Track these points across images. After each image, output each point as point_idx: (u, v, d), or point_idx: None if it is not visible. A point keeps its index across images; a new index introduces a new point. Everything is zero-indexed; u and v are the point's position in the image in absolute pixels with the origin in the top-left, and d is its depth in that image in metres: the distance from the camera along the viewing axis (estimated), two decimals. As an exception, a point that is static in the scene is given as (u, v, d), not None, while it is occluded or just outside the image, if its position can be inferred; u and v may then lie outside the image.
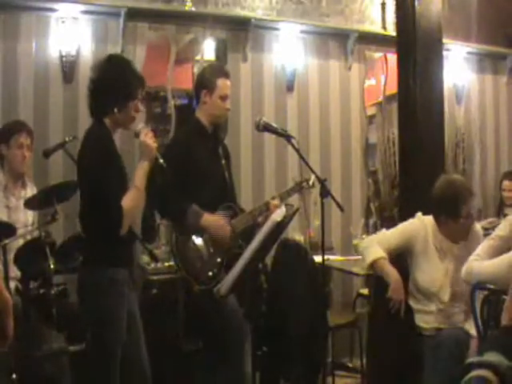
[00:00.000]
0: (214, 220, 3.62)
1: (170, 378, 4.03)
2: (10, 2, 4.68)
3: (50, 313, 3.67)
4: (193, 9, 5.04)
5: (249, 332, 3.67)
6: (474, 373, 2.05)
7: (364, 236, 4.70)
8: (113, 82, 3.01)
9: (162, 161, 3.08)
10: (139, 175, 3.01)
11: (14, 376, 3.41)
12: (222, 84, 3.72)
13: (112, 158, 3.00)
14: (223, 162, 3.82)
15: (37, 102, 4.74)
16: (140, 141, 3.03)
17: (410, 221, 3.79)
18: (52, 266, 3.65)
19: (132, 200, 2.97)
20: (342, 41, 5.68)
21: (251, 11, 5.33)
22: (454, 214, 3.57)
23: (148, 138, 3.02)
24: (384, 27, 5.84)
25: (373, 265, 3.71)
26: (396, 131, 4.91)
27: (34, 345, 3.78)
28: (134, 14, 4.87)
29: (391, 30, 5.63)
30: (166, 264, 4.21)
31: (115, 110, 3.02)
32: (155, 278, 4.16)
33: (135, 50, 4.90)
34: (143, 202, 3.08)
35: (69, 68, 4.80)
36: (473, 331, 3.37)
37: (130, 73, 3.08)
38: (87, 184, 3.06)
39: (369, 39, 5.77)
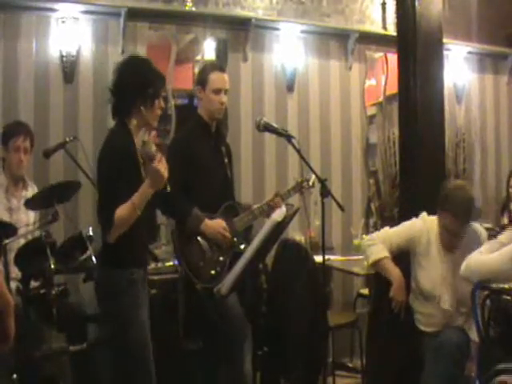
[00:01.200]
0: (214, 226, 3.62)
1: (170, 378, 4.02)
2: (11, 2, 4.69)
3: (51, 313, 3.66)
4: (193, 9, 5.04)
5: (249, 332, 3.68)
6: (500, 378, 2.04)
7: (364, 236, 4.70)
8: (138, 81, 3.00)
9: (168, 188, 3.03)
10: (141, 198, 2.90)
11: (14, 376, 3.41)
12: (215, 78, 3.72)
13: (129, 162, 2.96)
14: (225, 160, 3.82)
15: (37, 102, 4.75)
16: (152, 167, 2.89)
17: (414, 220, 3.76)
18: (52, 266, 3.65)
19: (126, 213, 2.88)
20: (342, 41, 5.69)
21: (251, 11, 5.33)
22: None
23: (162, 166, 2.90)
24: (384, 27, 5.84)
25: (375, 264, 3.70)
26: (396, 131, 4.90)
27: (35, 345, 3.78)
28: (134, 14, 4.87)
29: (391, 30, 5.63)
30: (167, 264, 4.21)
31: (142, 108, 3.00)
32: (155, 277, 4.15)
33: (136, 50, 4.89)
34: (132, 220, 2.93)
35: (69, 68, 4.81)
36: (473, 334, 3.36)
37: (153, 71, 3.09)
38: (99, 183, 3.06)
39: (369, 39, 5.77)
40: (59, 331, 3.99)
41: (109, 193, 2.94)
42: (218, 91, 3.72)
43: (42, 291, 3.71)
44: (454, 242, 3.58)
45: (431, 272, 3.63)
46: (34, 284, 3.78)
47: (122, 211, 2.86)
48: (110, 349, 3.16)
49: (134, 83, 3.01)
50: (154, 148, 2.99)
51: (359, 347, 4.61)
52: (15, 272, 3.72)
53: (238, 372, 3.63)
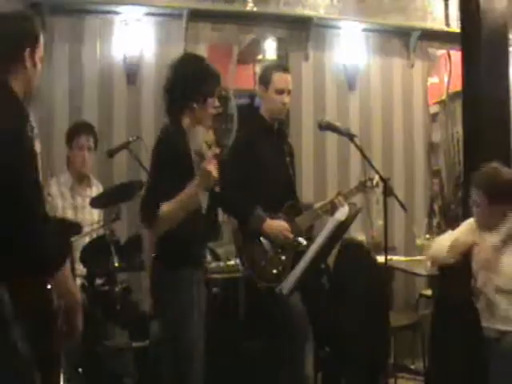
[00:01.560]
0: (276, 226, 3.62)
1: (231, 378, 4.04)
2: (75, 6, 4.80)
3: (114, 310, 3.72)
4: (254, 9, 5.05)
5: (310, 332, 3.66)
6: None
7: (428, 236, 4.62)
8: (192, 79, 3.00)
9: (217, 189, 3.03)
10: (187, 195, 2.87)
11: (79, 370, 3.48)
12: (278, 78, 3.70)
13: (180, 160, 2.95)
14: (288, 159, 3.82)
15: (101, 103, 4.85)
16: (203, 167, 2.86)
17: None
18: (116, 264, 3.71)
19: (170, 209, 2.87)
20: (404, 38, 5.62)
21: (312, 10, 5.31)
22: None
23: (213, 167, 2.87)
24: (447, 24, 5.73)
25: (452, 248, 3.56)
26: (460, 129, 4.80)
27: (99, 341, 3.85)
28: (196, 15, 4.93)
29: (455, 27, 5.52)
30: (229, 263, 4.22)
31: (195, 105, 3.00)
32: (217, 276, 4.18)
33: (197, 50, 4.93)
34: (179, 217, 2.92)
35: (132, 70, 4.89)
36: None
37: (206, 69, 3.08)
38: (149, 178, 3.08)
39: (431, 36, 5.67)
40: (122, 328, 4.05)
41: (156, 188, 2.94)
42: (280, 91, 3.71)
43: (106, 288, 3.78)
44: (490, 222, 3.44)
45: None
46: (98, 281, 3.85)
47: (167, 207, 2.85)
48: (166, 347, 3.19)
49: (187, 81, 3.00)
50: (211, 148, 2.98)
51: (421, 349, 4.54)
52: (80, 269, 3.79)
53: (299, 373, 3.62)
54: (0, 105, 2.19)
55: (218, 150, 2.99)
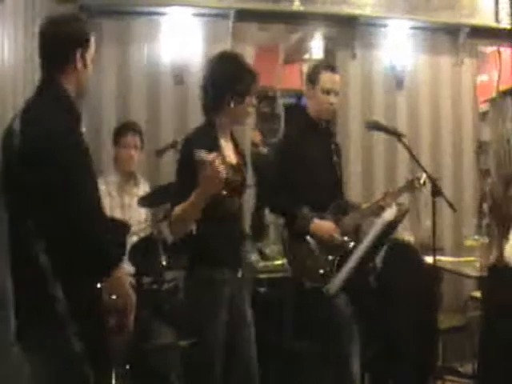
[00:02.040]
0: (323, 227, 3.60)
1: (276, 377, 4.04)
2: (122, 8, 4.86)
3: (162, 308, 3.75)
4: (301, 8, 5.04)
5: (356, 333, 3.64)
6: None
7: (477, 237, 4.55)
8: (229, 77, 2.97)
9: (224, 192, 2.85)
10: (191, 202, 2.77)
11: (127, 367, 3.52)
12: (325, 78, 3.68)
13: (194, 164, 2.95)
14: (335, 159, 3.80)
15: (149, 103, 4.90)
16: (201, 175, 2.69)
17: None
18: (164, 263, 3.74)
19: (179, 212, 2.84)
20: (452, 36, 5.53)
21: (359, 8, 5.27)
22: None
23: (213, 172, 2.67)
24: (497, 20, 5.62)
25: None
26: (510, 128, 4.72)
27: (146, 339, 3.89)
28: (242, 15, 4.93)
29: (505, 23, 5.42)
30: (275, 262, 4.23)
31: (232, 104, 2.97)
32: (263, 276, 4.19)
33: (244, 50, 4.94)
34: (188, 221, 2.90)
35: (179, 70, 4.92)
36: None
37: (243, 67, 3.05)
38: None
39: (481, 33, 5.57)
40: (170, 326, 4.08)
41: (176, 189, 2.96)
42: (327, 92, 3.68)
43: (154, 287, 3.81)
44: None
45: None
46: (145, 280, 3.89)
47: (177, 209, 2.85)
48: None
49: (223, 79, 2.97)
50: (257, 148, 2.93)
51: (470, 352, 4.47)
52: (128, 268, 3.83)
53: (346, 373, 3.59)
54: (54, 105, 2.24)
55: (265, 150, 2.98)
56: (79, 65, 2.34)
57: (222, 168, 2.68)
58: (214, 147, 2.91)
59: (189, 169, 2.78)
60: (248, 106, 3.04)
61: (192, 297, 3.03)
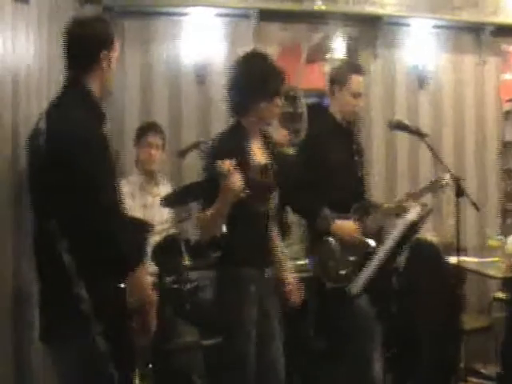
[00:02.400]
0: (344, 228, 3.59)
1: (299, 377, 4.03)
2: (144, 9, 4.90)
3: (184, 308, 3.76)
4: (323, 7, 5.04)
5: (379, 333, 3.62)
6: None
7: (500, 237, 4.51)
8: (258, 77, 2.95)
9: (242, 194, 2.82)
10: (215, 211, 2.82)
11: (149, 366, 3.53)
12: (355, 80, 3.68)
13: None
14: (356, 158, 3.79)
15: (171, 104, 4.93)
16: (222, 186, 2.74)
17: None
18: (186, 263, 3.75)
19: (203, 218, 2.88)
20: (475, 34, 5.50)
21: (381, 8, 5.25)
22: None
23: (235, 179, 2.74)
24: (521, 19, 5.58)
25: None
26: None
27: (169, 338, 3.90)
28: (264, 15, 4.95)
29: (529, 22, 5.38)
30: (297, 262, 4.21)
31: (261, 104, 2.96)
32: (286, 276, 4.17)
33: (266, 50, 4.93)
34: (212, 226, 2.92)
35: (202, 70, 4.94)
36: None
37: (272, 67, 3.03)
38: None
39: (504, 32, 5.52)
40: (192, 326, 4.09)
41: (203, 194, 2.97)
42: (356, 95, 3.68)
43: (176, 287, 3.82)
44: None
45: None
46: (168, 279, 3.90)
47: (201, 215, 2.89)
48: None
49: (253, 79, 2.95)
50: (282, 148, 2.89)
51: (494, 354, 4.43)
52: (151, 267, 3.84)
53: (367, 373, 3.58)
54: (78, 104, 2.27)
55: (291, 150, 2.98)
56: (104, 65, 2.37)
57: (239, 179, 2.74)
58: (242, 150, 2.95)
59: (213, 175, 2.80)
60: (276, 106, 3.03)
61: (220, 296, 3.04)
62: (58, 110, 2.27)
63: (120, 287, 2.23)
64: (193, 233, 4.29)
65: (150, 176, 4.28)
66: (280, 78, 3.03)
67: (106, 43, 2.38)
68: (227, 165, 2.69)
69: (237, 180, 2.73)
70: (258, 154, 3.07)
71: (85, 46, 2.34)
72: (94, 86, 2.35)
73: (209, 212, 2.83)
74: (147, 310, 2.31)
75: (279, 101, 3.03)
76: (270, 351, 3.06)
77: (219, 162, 2.70)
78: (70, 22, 2.39)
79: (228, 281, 2.99)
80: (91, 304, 2.15)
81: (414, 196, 3.69)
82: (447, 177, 3.64)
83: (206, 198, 2.88)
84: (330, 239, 3.60)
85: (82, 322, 2.14)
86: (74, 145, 2.14)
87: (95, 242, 2.13)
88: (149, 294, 2.31)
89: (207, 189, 2.88)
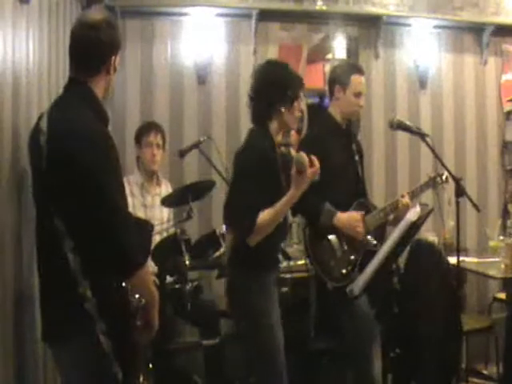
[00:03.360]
0: (348, 219, 3.59)
1: (298, 377, 4.03)
2: (145, 9, 4.89)
3: (185, 307, 3.76)
4: (324, 7, 5.03)
5: (377, 334, 3.62)
6: None
7: (501, 237, 4.50)
8: (279, 84, 3.05)
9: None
10: (286, 205, 2.96)
11: (150, 366, 3.54)
12: (356, 81, 3.69)
13: (267, 165, 3.00)
14: (356, 158, 3.79)
15: (172, 103, 4.92)
16: (301, 178, 2.89)
17: None
18: (187, 263, 3.75)
19: (269, 219, 2.93)
20: (476, 34, 5.49)
21: (382, 8, 5.25)
22: None
23: (311, 174, 2.93)
24: (522, 19, 5.58)
25: None
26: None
27: (170, 338, 3.90)
28: (265, 15, 4.94)
29: (531, 22, 5.38)
30: (299, 262, 4.22)
31: (283, 109, 3.05)
32: (287, 276, 4.18)
33: (267, 50, 4.96)
34: (274, 225, 2.98)
35: (202, 70, 4.94)
36: None
37: (291, 74, 3.14)
38: (234, 182, 3.12)
39: (505, 32, 5.51)
40: (193, 326, 4.10)
41: (242, 194, 2.98)
42: (358, 94, 3.70)
43: (177, 286, 3.83)
44: None
45: None
46: (169, 279, 3.91)
47: (265, 216, 2.91)
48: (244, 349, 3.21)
49: (274, 87, 3.04)
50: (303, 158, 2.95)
51: (495, 354, 4.43)
52: (152, 267, 3.85)
53: (366, 373, 3.58)
54: (81, 105, 2.26)
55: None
56: (111, 70, 2.37)
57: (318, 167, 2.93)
58: (275, 151, 3.07)
59: (263, 173, 2.93)
60: (297, 110, 3.12)
61: (244, 300, 3.04)
62: (60, 110, 2.26)
63: (123, 286, 2.23)
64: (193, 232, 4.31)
65: (151, 176, 4.29)
66: (299, 82, 3.15)
67: (116, 48, 2.38)
68: (305, 156, 2.86)
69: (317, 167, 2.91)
70: None
71: (97, 51, 2.31)
72: (98, 89, 2.34)
73: (277, 207, 2.91)
74: (151, 309, 2.31)
75: (299, 105, 3.13)
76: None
77: (300, 154, 2.89)
78: (79, 23, 2.36)
79: (254, 284, 3.01)
80: (95, 303, 2.14)
81: (412, 193, 3.69)
82: (445, 173, 3.65)
83: (262, 199, 2.93)
84: (331, 237, 3.60)
85: (86, 322, 2.14)
86: (75, 144, 2.13)
87: (100, 241, 2.13)
88: (153, 291, 2.31)
89: (261, 189, 2.92)
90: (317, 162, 2.93)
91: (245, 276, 3.03)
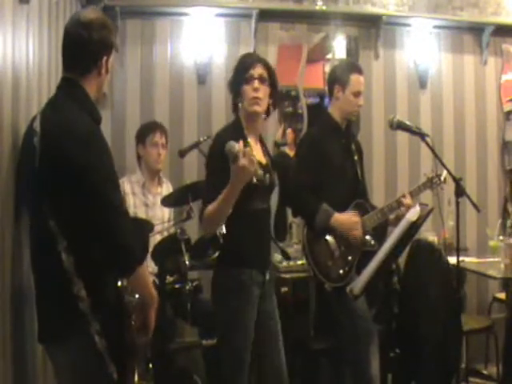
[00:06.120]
0: (345, 219, 3.59)
1: (298, 376, 4.04)
2: (146, 9, 4.89)
3: (185, 307, 3.76)
4: (324, 7, 5.03)
5: (376, 334, 3.62)
6: None
7: (501, 237, 4.50)
8: (233, 76, 3.11)
9: (254, 180, 2.79)
10: (226, 195, 2.76)
11: (150, 366, 3.54)
12: (356, 80, 3.70)
13: (222, 158, 2.85)
14: (355, 158, 3.79)
15: (172, 103, 4.93)
16: (234, 166, 2.69)
17: None
18: (187, 262, 3.75)
19: (212, 209, 2.81)
20: (476, 34, 5.49)
21: (382, 7, 5.25)
22: None
23: (246, 161, 2.68)
24: (522, 18, 5.57)
25: None
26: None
27: (169, 338, 3.90)
28: (265, 15, 4.94)
29: (531, 22, 5.37)
30: (298, 262, 4.22)
31: (238, 100, 3.08)
32: (287, 276, 4.19)
33: (267, 50, 4.96)
34: (222, 217, 2.86)
35: (202, 70, 4.94)
36: None
37: (238, 62, 3.14)
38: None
39: (505, 32, 5.52)
40: (192, 326, 4.09)
41: (205, 189, 2.97)
42: (357, 94, 3.71)
43: (177, 286, 3.83)
44: None
45: None
46: (169, 279, 3.90)
47: (209, 208, 2.82)
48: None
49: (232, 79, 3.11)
50: (279, 148, 2.90)
51: (495, 354, 4.43)
52: (152, 267, 3.85)
53: (365, 373, 3.58)
54: (74, 105, 2.26)
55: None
56: (103, 70, 2.37)
57: (252, 158, 2.70)
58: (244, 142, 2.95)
59: (220, 163, 2.79)
60: (249, 98, 3.01)
61: (221, 297, 3.03)
62: (53, 110, 2.26)
63: (118, 286, 2.23)
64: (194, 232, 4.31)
65: (153, 175, 4.30)
66: (244, 66, 3.06)
67: (108, 49, 2.38)
68: (239, 145, 2.69)
69: (250, 158, 2.69)
70: (259, 154, 3.08)
71: (88, 50, 2.31)
72: (90, 89, 2.34)
73: (219, 199, 2.77)
74: (148, 308, 2.31)
75: (251, 88, 3.00)
76: (273, 352, 3.07)
77: (230, 143, 2.69)
78: (72, 22, 2.36)
79: (230, 283, 2.97)
80: (90, 303, 2.15)
81: (411, 193, 3.70)
82: (444, 173, 3.65)
83: (213, 189, 2.82)
84: (328, 238, 3.60)
85: (80, 322, 2.14)
86: (68, 145, 2.13)
87: (97, 240, 2.13)
88: (151, 291, 2.31)
89: (214, 179, 2.87)
90: (249, 154, 2.71)
91: (225, 274, 3.00)
